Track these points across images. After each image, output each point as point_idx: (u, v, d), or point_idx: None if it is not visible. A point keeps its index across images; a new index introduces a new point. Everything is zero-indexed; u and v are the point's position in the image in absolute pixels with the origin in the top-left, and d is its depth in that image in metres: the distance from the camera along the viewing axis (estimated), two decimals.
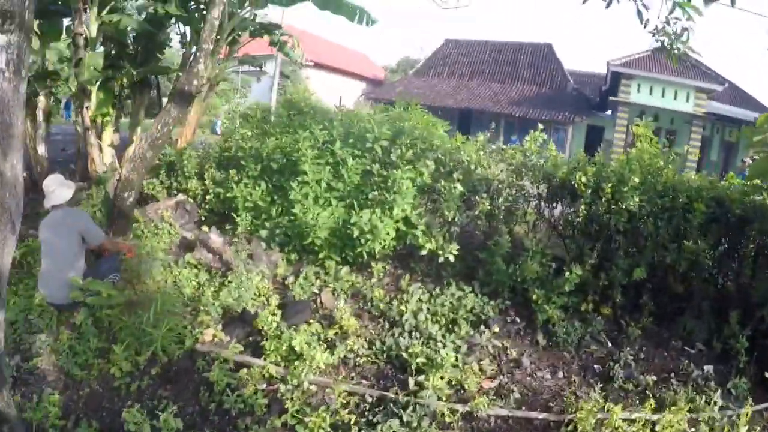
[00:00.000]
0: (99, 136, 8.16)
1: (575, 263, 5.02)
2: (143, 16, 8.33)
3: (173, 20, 8.56)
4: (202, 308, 4.81)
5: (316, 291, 5.47)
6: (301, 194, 5.88)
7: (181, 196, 7.17)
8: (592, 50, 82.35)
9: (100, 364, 4.02)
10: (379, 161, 6.06)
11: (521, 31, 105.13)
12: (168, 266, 5.55)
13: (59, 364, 4.02)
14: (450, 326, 4.81)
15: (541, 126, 6.17)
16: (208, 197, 7.00)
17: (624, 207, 5.05)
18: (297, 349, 4.03)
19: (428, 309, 5.01)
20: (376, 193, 5.79)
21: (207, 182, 7.06)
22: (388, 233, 5.62)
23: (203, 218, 6.97)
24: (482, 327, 4.76)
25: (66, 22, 8.46)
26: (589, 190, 5.32)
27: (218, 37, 8.32)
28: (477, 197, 6.03)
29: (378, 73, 40.63)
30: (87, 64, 7.17)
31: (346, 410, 3.68)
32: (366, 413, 3.70)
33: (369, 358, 4.38)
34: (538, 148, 6.22)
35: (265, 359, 4.12)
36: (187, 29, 9.28)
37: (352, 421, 3.55)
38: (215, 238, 6.12)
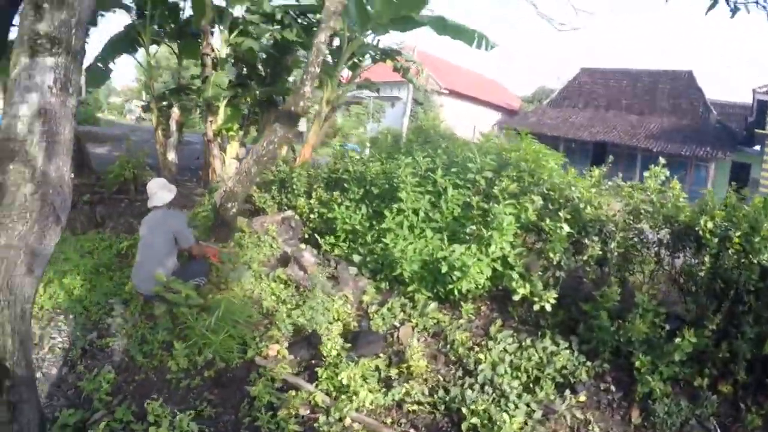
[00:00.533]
0: (223, 149, 8.92)
1: (693, 327, 4.28)
2: (271, 41, 9.04)
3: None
4: (276, 323, 4.97)
5: (397, 324, 5.32)
6: (395, 222, 5.86)
7: (289, 213, 7.53)
8: (736, 77, 73.75)
9: (162, 355, 4.29)
10: (481, 193, 5.86)
11: (662, 57, 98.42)
12: (259, 278, 5.81)
13: (127, 348, 4.38)
14: (531, 385, 4.34)
15: (662, 161, 5.50)
16: (312, 216, 7.26)
17: (756, 261, 4.24)
18: (344, 382, 3.92)
19: (511, 361, 4.58)
20: (474, 227, 5.54)
21: (313, 201, 7.34)
22: (481, 272, 5.30)
23: (307, 236, 7.20)
24: (567, 391, 4.23)
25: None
26: (716, 239, 4.57)
27: (336, 60, 8.76)
28: (587, 240, 5.46)
29: (513, 103, 40.61)
30: (212, 82, 7.94)
31: None
32: None
33: (427, 407, 4.09)
34: (660, 187, 5.54)
35: (317, 386, 4.06)
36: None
37: None
38: (308, 257, 6.31)
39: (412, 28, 8.90)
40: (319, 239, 6.91)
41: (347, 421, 3.71)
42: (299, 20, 9.29)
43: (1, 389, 2.43)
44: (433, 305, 5.55)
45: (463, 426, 3.75)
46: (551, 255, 5.32)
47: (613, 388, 4.37)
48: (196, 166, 11.76)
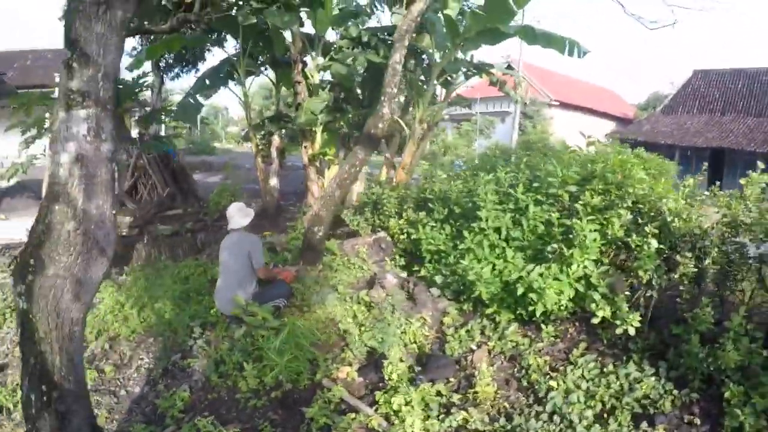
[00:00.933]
0: (321, 173, 9.33)
1: None
2: (362, 66, 9.35)
3: None
4: (349, 345, 5.12)
5: (474, 347, 5.23)
6: (474, 242, 5.78)
7: (381, 234, 7.77)
8: None
9: (236, 376, 4.62)
10: (566, 209, 5.59)
11: None
12: (343, 300, 6.03)
13: (205, 369, 4.77)
14: (606, 415, 4.06)
15: (761, 165, 4.89)
16: (402, 237, 7.40)
17: None
18: (394, 407, 3.94)
19: (587, 389, 4.30)
20: (555, 245, 5.26)
21: (402, 222, 7.47)
22: (561, 292, 5.05)
23: (397, 257, 7.31)
24: (645, 423, 3.87)
25: None
26: None
27: (427, 79, 8.85)
28: (678, 256, 5.00)
29: (628, 112, 39.61)
30: (305, 109, 8.38)
31: None
32: None
33: None
34: (762, 195, 5.14)
35: (376, 410, 4.13)
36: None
37: None
38: (390, 278, 6.46)
39: (501, 40, 8.83)
40: (405, 261, 7.05)
41: None
42: (389, 41, 9.59)
43: (50, 400, 2.80)
44: (512, 327, 5.38)
45: None
46: (640, 273, 4.96)
47: (698, 420, 3.95)
48: (301, 190, 12.40)
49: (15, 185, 12.60)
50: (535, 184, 5.95)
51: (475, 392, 4.48)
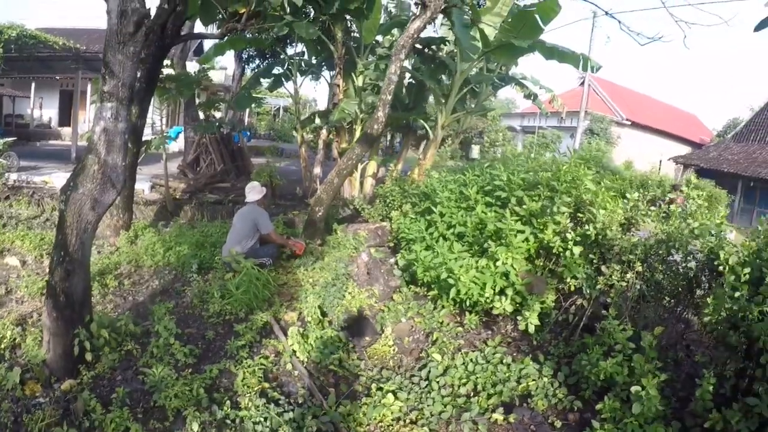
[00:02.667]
0: (356, 167, 11.61)
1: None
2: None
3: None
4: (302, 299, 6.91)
5: (404, 320, 6.73)
6: (427, 233, 7.30)
7: (383, 223, 9.75)
8: None
9: (209, 302, 6.66)
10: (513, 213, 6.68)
11: None
12: (321, 269, 7.83)
13: (193, 295, 6.95)
14: (473, 394, 5.26)
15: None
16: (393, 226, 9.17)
17: None
18: (298, 340, 5.80)
19: (472, 370, 5.50)
20: (490, 242, 6.51)
21: (397, 213, 9.34)
22: (484, 284, 6.19)
23: (392, 244, 8.97)
24: (502, 409, 4.96)
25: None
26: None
27: (449, 88, 10.80)
28: (605, 267, 5.93)
29: (705, 137, 39.43)
30: (340, 108, 10.65)
31: None
32: None
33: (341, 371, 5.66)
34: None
35: (289, 341, 5.94)
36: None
37: None
38: (364, 257, 8.36)
39: (519, 54, 10.17)
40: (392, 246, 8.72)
41: (288, 366, 5.51)
42: (426, 51, 11.66)
43: (63, 261, 4.80)
44: (444, 311, 6.68)
45: None
46: (568, 280, 5.95)
47: (558, 424, 4.83)
48: None
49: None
50: (487, 188, 7.27)
51: (374, 349, 6.05)
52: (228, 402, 4.69)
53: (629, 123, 34.53)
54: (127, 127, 5.10)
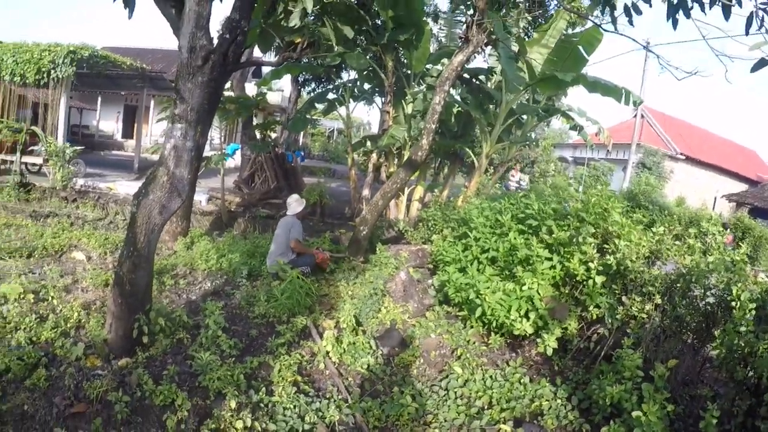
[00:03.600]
0: (402, 191, 12.44)
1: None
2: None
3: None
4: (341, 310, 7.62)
5: (433, 336, 7.26)
6: (463, 255, 7.96)
7: (423, 246, 10.47)
8: None
9: (255, 304, 7.47)
10: (543, 241, 7.26)
11: None
12: (362, 284, 8.57)
13: (241, 298, 7.78)
14: (486, 408, 5.73)
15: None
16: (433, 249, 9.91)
17: None
18: (332, 342, 6.57)
19: (490, 385, 5.98)
20: (519, 267, 7.02)
21: (438, 237, 9.95)
22: (505, 306, 6.71)
23: (432, 266, 9.60)
24: (511, 423, 5.40)
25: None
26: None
27: (494, 118, 11.50)
28: (626, 297, 6.29)
29: (764, 174, 38.23)
30: (389, 134, 11.52)
31: None
32: None
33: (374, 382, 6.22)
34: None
35: (324, 342, 6.73)
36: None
37: None
38: (402, 276, 9.10)
39: (562, 87, 10.69)
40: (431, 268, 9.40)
41: (321, 365, 6.19)
42: (473, 81, 12.45)
43: (131, 255, 5.62)
44: (472, 330, 7.21)
45: None
46: (590, 309, 6.34)
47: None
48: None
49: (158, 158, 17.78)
50: (521, 216, 7.81)
51: (401, 358, 6.66)
52: (263, 389, 5.43)
53: (683, 157, 34.26)
54: (193, 145, 5.93)
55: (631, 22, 6.51)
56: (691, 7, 5.75)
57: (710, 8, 5.80)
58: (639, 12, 6.42)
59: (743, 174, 37.63)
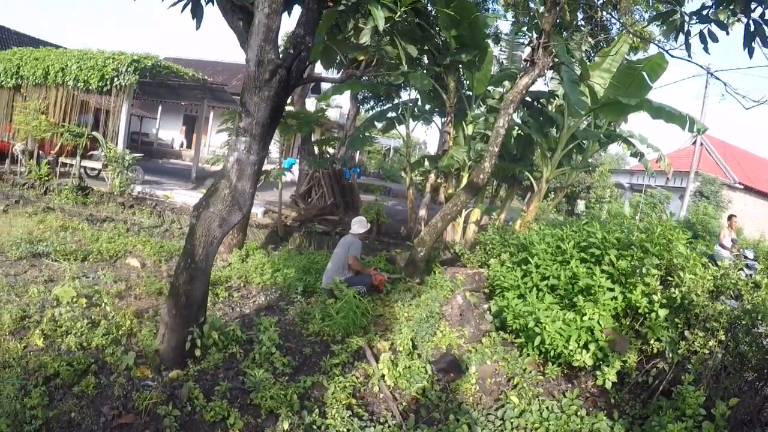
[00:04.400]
0: (460, 214, 12.24)
1: None
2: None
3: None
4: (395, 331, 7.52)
5: (489, 363, 7.12)
6: (522, 281, 7.76)
7: (480, 270, 10.24)
8: None
9: (310, 322, 7.41)
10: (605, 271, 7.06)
11: None
12: (416, 306, 8.44)
13: (295, 314, 7.70)
14: None
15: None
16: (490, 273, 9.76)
17: None
18: (388, 365, 6.35)
19: (546, 417, 5.80)
20: (580, 297, 6.91)
21: (495, 262, 9.87)
22: (565, 336, 6.57)
23: (488, 290, 9.41)
24: None
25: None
26: None
27: (556, 143, 11.23)
28: (688, 332, 6.11)
29: None
30: (449, 155, 11.35)
31: None
32: None
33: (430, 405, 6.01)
34: None
35: (378, 365, 6.63)
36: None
37: None
38: (459, 299, 8.87)
39: (626, 112, 10.46)
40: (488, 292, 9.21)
41: (375, 388, 6.08)
42: (535, 104, 12.20)
43: (188, 267, 5.61)
44: (528, 359, 6.99)
45: None
46: (652, 342, 6.18)
47: None
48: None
49: (217, 171, 18.03)
50: (583, 244, 7.62)
51: (457, 384, 6.50)
52: (317, 410, 5.32)
53: (741, 186, 33.23)
54: (257, 159, 5.91)
55: (706, 50, 6.36)
56: None
57: None
58: (715, 39, 6.28)
59: None
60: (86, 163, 15.89)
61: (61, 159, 15.72)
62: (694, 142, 28.37)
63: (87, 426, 4.60)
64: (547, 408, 6.02)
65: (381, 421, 5.56)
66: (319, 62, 12.84)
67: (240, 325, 6.95)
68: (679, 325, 6.22)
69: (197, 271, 5.79)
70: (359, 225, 9.11)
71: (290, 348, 6.80)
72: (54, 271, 8.14)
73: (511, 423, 5.82)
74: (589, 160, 14.19)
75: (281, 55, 5.68)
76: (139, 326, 6.52)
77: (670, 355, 5.98)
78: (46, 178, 14.44)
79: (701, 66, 7.36)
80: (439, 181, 13.34)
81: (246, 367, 5.89)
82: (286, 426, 4.90)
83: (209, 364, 5.93)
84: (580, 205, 22.63)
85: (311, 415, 5.23)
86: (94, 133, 15.65)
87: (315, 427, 5.15)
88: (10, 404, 4.33)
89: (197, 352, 5.91)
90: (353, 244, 8.88)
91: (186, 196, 15.05)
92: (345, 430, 5.17)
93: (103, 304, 6.95)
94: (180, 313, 5.82)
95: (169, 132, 34.84)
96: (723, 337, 5.84)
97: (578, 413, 5.86)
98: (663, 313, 6.14)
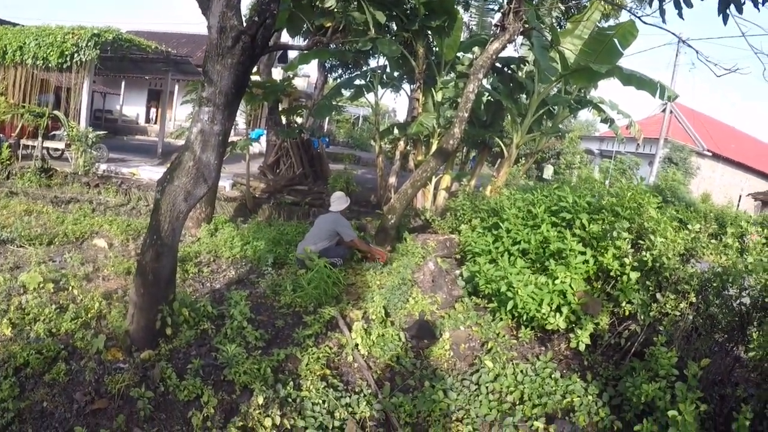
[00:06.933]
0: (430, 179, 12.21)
1: None
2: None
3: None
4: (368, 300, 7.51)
5: (462, 328, 7.10)
6: (493, 246, 7.81)
7: (451, 236, 10.25)
8: None
9: (281, 293, 7.34)
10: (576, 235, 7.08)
11: None
12: (389, 273, 8.43)
13: (266, 287, 7.60)
14: (518, 403, 5.63)
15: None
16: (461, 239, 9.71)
17: None
18: (362, 334, 6.34)
19: (521, 380, 5.86)
20: (551, 260, 6.89)
21: (466, 227, 9.76)
22: (537, 299, 6.61)
23: (459, 256, 9.47)
24: (543, 420, 5.30)
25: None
26: None
27: (525, 109, 11.21)
28: (659, 295, 6.10)
29: None
30: (418, 122, 11.26)
31: None
32: None
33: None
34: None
35: (352, 334, 6.58)
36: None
37: None
38: (430, 265, 8.85)
39: (596, 79, 10.37)
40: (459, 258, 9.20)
41: (349, 358, 6.06)
42: (505, 70, 12.14)
43: (154, 243, 5.45)
44: (502, 323, 7.01)
45: None
46: (623, 305, 6.22)
47: None
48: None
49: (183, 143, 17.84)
50: (554, 208, 7.62)
51: (431, 350, 6.51)
52: (291, 383, 5.26)
53: (710, 154, 34.13)
54: (221, 129, 5.74)
55: (680, 15, 6.32)
56: (743, 3, 5.61)
57: (764, 5, 5.60)
58: (690, 5, 6.26)
59: None
60: (48, 143, 15.44)
61: (23, 141, 15.26)
62: (664, 110, 28.68)
63: (60, 414, 4.50)
64: (521, 371, 6.06)
65: (356, 390, 5.54)
66: (285, 30, 12.58)
67: (210, 300, 6.84)
68: (651, 288, 6.27)
69: (164, 248, 5.65)
70: (340, 201, 8.92)
71: (262, 321, 6.72)
72: (19, 257, 7.90)
73: (486, 387, 5.85)
74: (559, 126, 14.22)
75: (245, 23, 5.50)
76: (108, 308, 6.36)
77: (642, 318, 6.03)
78: (7, 161, 14.01)
79: (673, 33, 7.40)
80: (408, 148, 13.27)
81: (218, 342, 5.80)
82: (260, 400, 4.82)
83: (181, 342, 5.81)
84: (548, 170, 22.80)
85: (286, 388, 5.17)
86: (56, 112, 15.18)
87: (290, 399, 5.09)
88: None
89: (168, 331, 5.80)
90: (344, 226, 8.71)
91: (152, 173, 14.75)
92: (320, 401, 5.13)
93: (71, 288, 6.76)
94: (148, 291, 5.68)
95: (134, 108, 34.08)
96: (694, 299, 5.90)
97: (552, 376, 5.91)
98: (634, 276, 6.17)
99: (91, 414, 4.56)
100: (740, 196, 31.04)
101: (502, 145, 12.20)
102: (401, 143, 13.26)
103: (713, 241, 6.87)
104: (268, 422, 4.60)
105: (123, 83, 30.76)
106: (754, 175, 36.70)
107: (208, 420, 4.60)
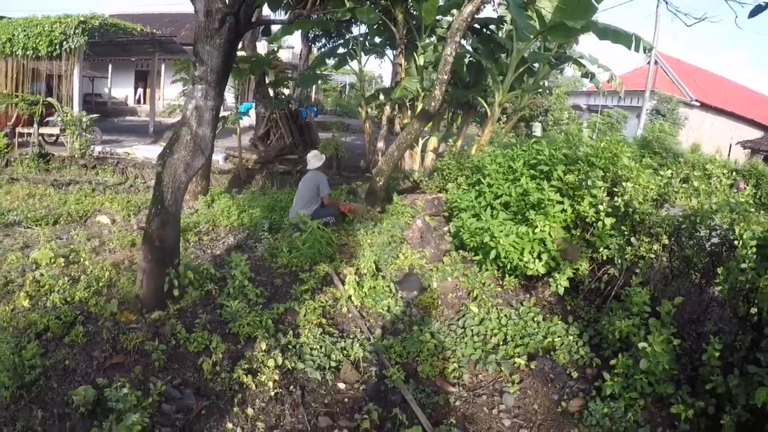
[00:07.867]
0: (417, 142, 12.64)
1: None
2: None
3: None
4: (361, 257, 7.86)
5: (450, 280, 7.54)
6: (476, 201, 8.14)
7: (439, 195, 10.64)
8: None
9: (278, 256, 7.75)
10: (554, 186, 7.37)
11: None
12: (380, 233, 8.81)
13: (265, 253, 8.03)
14: (501, 343, 6.14)
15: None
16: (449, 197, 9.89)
17: None
18: (354, 286, 6.81)
19: (504, 323, 6.31)
20: (532, 211, 7.25)
21: (452, 185, 10.05)
22: (518, 248, 6.99)
23: (447, 214, 9.75)
24: (526, 357, 5.83)
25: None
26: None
27: (506, 67, 11.58)
28: (634, 238, 6.49)
29: None
30: (402, 86, 11.65)
31: None
32: None
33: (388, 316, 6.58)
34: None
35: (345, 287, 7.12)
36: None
37: None
38: (418, 223, 9.34)
39: (572, 34, 10.72)
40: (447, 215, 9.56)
41: (344, 309, 6.54)
42: (483, 31, 12.51)
43: (159, 213, 5.87)
44: (487, 273, 7.39)
45: None
46: (601, 250, 6.52)
47: (575, 374, 5.60)
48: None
49: (176, 122, 18.19)
50: (532, 162, 7.87)
51: (420, 299, 6.98)
52: (291, 332, 5.75)
53: (698, 104, 33.93)
54: (214, 105, 6.12)
55: None
56: None
57: None
58: None
59: (759, 121, 37.06)
60: (44, 130, 15.76)
61: (18, 129, 15.57)
62: (649, 62, 28.69)
63: (82, 370, 4.93)
64: (505, 315, 6.53)
65: (351, 336, 6.06)
66: (267, 5, 12.86)
67: (212, 264, 7.27)
68: (626, 233, 6.58)
69: (168, 216, 6.08)
70: (316, 159, 9.38)
71: (261, 281, 7.18)
72: (28, 237, 8.31)
73: (472, 330, 6.34)
74: (543, 83, 14.57)
75: (228, 2, 5.90)
76: (117, 276, 6.78)
77: (619, 261, 6.33)
78: (5, 150, 14.44)
79: None
80: (394, 113, 13.65)
81: (222, 301, 6.25)
82: (263, 346, 5.27)
83: (188, 303, 6.28)
84: (537, 128, 23.08)
85: (286, 336, 5.66)
86: (49, 99, 15.56)
87: (290, 346, 5.58)
88: (8, 360, 4.57)
89: (175, 293, 6.23)
90: (321, 180, 9.16)
91: (147, 151, 15.16)
92: (318, 346, 5.63)
93: (82, 260, 7.18)
94: (155, 257, 6.10)
95: (122, 90, 34.26)
96: (667, 242, 6.24)
97: (535, 319, 6.37)
98: (609, 221, 6.47)
99: (110, 368, 5.00)
100: (730, 145, 31.25)
101: (485, 104, 12.57)
102: (387, 108, 13.66)
103: (684, 185, 7.26)
104: (271, 363, 5.08)
105: (110, 66, 30.92)
106: (744, 123, 36.53)
107: (217, 365, 5.07)
